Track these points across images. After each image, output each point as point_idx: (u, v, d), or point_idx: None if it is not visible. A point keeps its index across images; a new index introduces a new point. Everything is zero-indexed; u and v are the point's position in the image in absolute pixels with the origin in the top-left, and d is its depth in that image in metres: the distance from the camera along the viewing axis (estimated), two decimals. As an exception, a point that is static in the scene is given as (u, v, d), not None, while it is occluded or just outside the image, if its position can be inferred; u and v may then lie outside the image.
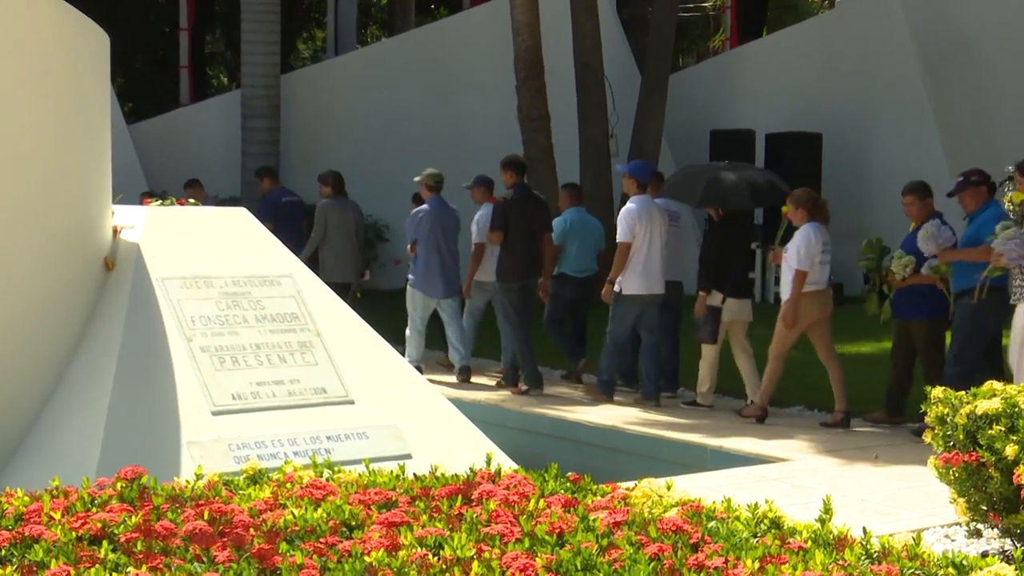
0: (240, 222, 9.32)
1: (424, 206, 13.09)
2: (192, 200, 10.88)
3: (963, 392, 6.25)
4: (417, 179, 13.40)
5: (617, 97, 19.58)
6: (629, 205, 11.35)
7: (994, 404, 5.89)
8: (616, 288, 11.21)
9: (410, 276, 12.97)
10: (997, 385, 6.15)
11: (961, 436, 5.94)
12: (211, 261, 8.64)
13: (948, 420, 6.06)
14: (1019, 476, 5.57)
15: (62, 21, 7.91)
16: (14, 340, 7.75)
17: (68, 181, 8.07)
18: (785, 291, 10.55)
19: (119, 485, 4.36)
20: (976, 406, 5.92)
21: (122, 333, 7.89)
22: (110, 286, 8.24)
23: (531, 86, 17.69)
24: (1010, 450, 5.64)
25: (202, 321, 8.23)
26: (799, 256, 10.25)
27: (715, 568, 3.63)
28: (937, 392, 6.26)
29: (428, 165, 13.90)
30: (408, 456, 7.48)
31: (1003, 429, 5.75)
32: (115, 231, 8.49)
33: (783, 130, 19.77)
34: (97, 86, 8.28)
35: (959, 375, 8.91)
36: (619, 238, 11.23)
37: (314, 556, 3.71)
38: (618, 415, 10.53)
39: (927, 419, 6.26)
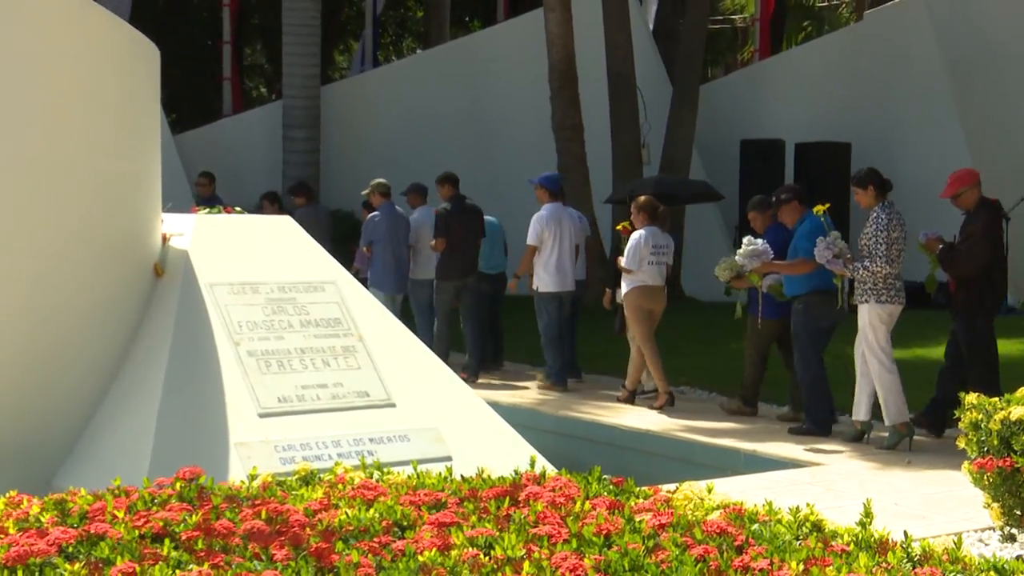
0: (285, 230, 9.37)
1: (376, 212, 13.91)
2: (239, 208, 10.94)
3: (996, 399, 6.23)
4: (365, 192, 14.36)
5: (649, 107, 19.58)
6: (540, 212, 12.29)
7: (1029, 409, 5.88)
8: (534, 287, 12.29)
9: (368, 276, 13.53)
10: (1032, 391, 6.14)
11: (995, 442, 5.93)
12: (257, 268, 8.69)
13: (982, 426, 6.04)
14: (1052, 481, 5.57)
15: (116, 36, 7.98)
16: (69, 343, 7.83)
17: (120, 190, 8.13)
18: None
19: (178, 485, 4.39)
20: (1010, 412, 5.91)
21: (172, 337, 7.94)
22: (160, 292, 8.29)
23: (565, 96, 17.72)
24: (1044, 456, 5.63)
25: (249, 326, 8.27)
26: (627, 256, 11.24)
27: (761, 570, 3.63)
28: (971, 398, 6.24)
29: (463, 174, 14.21)
30: (449, 458, 7.50)
31: (1037, 435, 5.74)
32: (165, 238, 8.55)
33: (812, 140, 19.74)
34: (148, 98, 8.34)
35: (811, 382, 9.92)
36: (528, 241, 12.24)
37: (369, 555, 3.73)
38: (651, 419, 10.52)
39: (960, 425, 6.24)
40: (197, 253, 8.47)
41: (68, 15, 7.79)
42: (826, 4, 32.08)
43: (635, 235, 11.27)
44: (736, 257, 10.01)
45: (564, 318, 12.28)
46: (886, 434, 9.43)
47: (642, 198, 11.72)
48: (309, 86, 20.32)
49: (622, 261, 11.38)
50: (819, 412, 9.90)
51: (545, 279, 12.16)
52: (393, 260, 13.61)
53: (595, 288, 13.97)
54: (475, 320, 13.11)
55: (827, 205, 9.82)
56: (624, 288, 11.40)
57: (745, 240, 10.06)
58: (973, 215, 9.55)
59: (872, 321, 9.41)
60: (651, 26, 24.08)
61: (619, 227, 12.16)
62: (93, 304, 7.93)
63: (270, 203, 15.27)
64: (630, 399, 11.34)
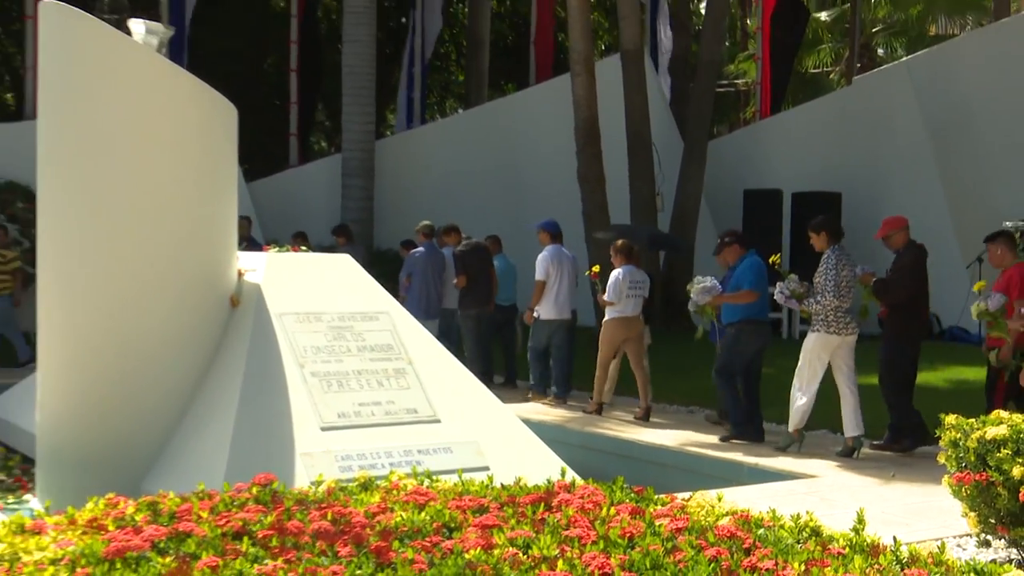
0: (344, 266, 9.43)
1: (419, 248, 14.33)
2: (304, 247, 11.02)
3: (973, 420, 6.20)
4: (417, 229, 14.65)
5: (663, 161, 19.61)
6: (543, 253, 12.56)
7: (1002, 431, 5.84)
8: (535, 314, 12.51)
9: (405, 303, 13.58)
10: (1004, 414, 6.09)
11: (972, 458, 5.89)
12: (320, 299, 8.74)
13: (960, 444, 6.01)
14: (1024, 494, 5.53)
15: (200, 97, 8.07)
16: (157, 363, 7.89)
17: (202, 231, 8.20)
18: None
19: (254, 489, 4.42)
20: (986, 432, 5.87)
21: (246, 359, 7.98)
22: (236, 320, 8.35)
23: (589, 151, 17.75)
24: (1016, 471, 5.59)
25: (313, 350, 8.31)
26: (609, 291, 11.46)
27: (767, 570, 3.63)
28: (950, 419, 6.21)
29: (498, 219, 14.50)
30: (487, 468, 7.49)
31: (1010, 452, 5.70)
32: (240, 273, 8.61)
33: (807, 190, 19.73)
34: (227, 151, 8.41)
35: (721, 384, 10.34)
36: (536, 278, 12.50)
37: (422, 553, 3.74)
38: (665, 436, 10.49)
39: (941, 443, 6.21)
40: (268, 286, 8.53)
41: (161, 81, 7.89)
42: (819, 71, 32.09)
43: (614, 273, 11.52)
44: (691, 294, 10.27)
45: (562, 341, 12.52)
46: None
47: (620, 242, 11.92)
48: (364, 141, 20.42)
49: (603, 297, 11.55)
50: (740, 415, 10.24)
51: (546, 308, 12.42)
52: (426, 291, 13.86)
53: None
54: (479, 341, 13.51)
55: (778, 255, 10.16)
56: (606, 317, 11.64)
57: (696, 280, 10.36)
58: (902, 254, 9.81)
59: (814, 347, 9.59)
60: (665, 90, 24.13)
61: (588, 272, 12.27)
62: (178, 330, 7.99)
63: (302, 240, 15.39)
64: (646, 415, 11.43)
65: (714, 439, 10.26)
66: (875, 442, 9.75)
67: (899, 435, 9.73)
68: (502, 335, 14.11)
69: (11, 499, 8.87)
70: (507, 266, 14.16)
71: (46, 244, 7.74)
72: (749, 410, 10.25)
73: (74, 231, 7.64)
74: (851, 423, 9.51)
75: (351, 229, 17.15)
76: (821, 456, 9.48)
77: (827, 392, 9.87)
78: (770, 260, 10.10)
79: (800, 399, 9.60)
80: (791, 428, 9.69)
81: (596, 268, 12.14)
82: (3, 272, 14.12)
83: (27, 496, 8.83)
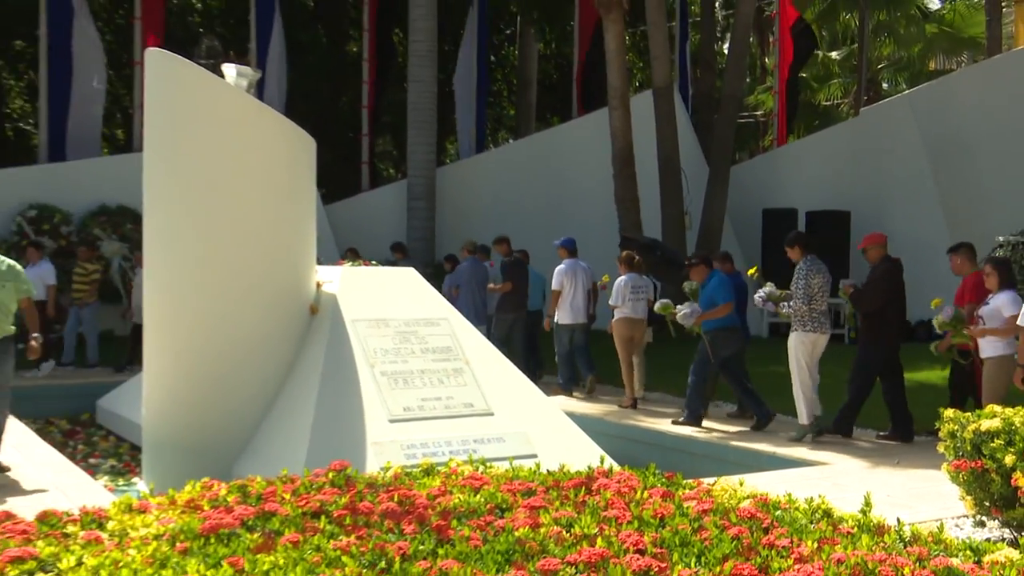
0: (409, 278, 9.47)
1: (464, 263, 14.38)
2: (374, 262, 11.06)
3: (969, 413, 6.13)
4: (463, 246, 14.89)
5: (690, 184, 19.49)
6: (560, 266, 12.54)
7: (995, 423, 5.77)
8: (554, 320, 12.53)
9: None
10: (997, 408, 6.02)
11: (968, 447, 5.82)
12: (388, 307, 8.78)
13: (958, 435, 5.94)
14: (1016, 479, 5.45)
15: (284, 131, 8.15)
16: (247, 365, 7.97)
17: (286, 249, 8.27)
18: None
19: (330, 475, 4.45)
20: (980, 424, 5.80)
21: (323, 360, 8.04)
22: (315, 325, 8.41)
23: (624, 176, 17.71)
24: (1008, 459, 5.52)
25: (382, 352, 8.35)
26: (613, 295, 11.72)
27: (783, 547, 3.60)
28: (948, 413, 6.14)
29: (543, 236, 14.58)
30: (535, 456, 7.50)
31: (1002, 443, 5.63)
32: (318, 285, 8.67)
33: (820, 208, 19.56)
34: (307, 178, 8.49)
35: (694, 384, 10.37)
36: (552, 288, 12.58)
37: (477, 531, 3.75)
38: (692, 427, 10.41)
39: (940, 434, 6.14)
40: (343, 296, 8.58)
41: (250, 117, 7.98)
42: (830, 103, 31.79)
43: (618, 280, 11.73)
44: (679, 319, 10.36)
45: (581, 342, 12.53)
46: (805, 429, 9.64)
47: (624, 253, 12.16)
48: (427, 168, 20.48)
49: (611, 301, 11.78)
50: (695, 405, 10.35)
51: (563, 314, 12.47)
52: (472, 299, 13.81)
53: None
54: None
55: (756, 267, 10.58)
56: (614, 319, 11.74)
57: (677, 308, 10.42)
58: (876, 266, 9.75)
59: (795, 345, 9.63)
60: (691, 121, 24.03)
61: (598, 283, 12.63)
62: (265, 335, 8.06)
63: (353, 255, 15.46)
64: (633, 404, 11.67)
65: (735, 430, 10.18)
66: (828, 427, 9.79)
67: (847, 425, 9.74)
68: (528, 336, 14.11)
69: (121, 482, 8.99)
70: (535, 277, 14.26)
71: (152, 260, 7.85)
72: (699, 399, 10.45)
73: (176, 249, 7.75)
74: (803, 409, 9.60)
75: (407, 246, 17.20)
76: (832, 446, 9.37)
77: (831, 389, 9.76)
78: (749, 272, 10.25)
79: (800, 393, 9.62)
80: (804, 421, 9.58)
81: (605, 278, 12.43)
82: (85, 283, 14.26)
83: (135, 479, 8.94)
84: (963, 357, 9.18)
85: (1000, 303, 8.45)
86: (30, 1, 19.12)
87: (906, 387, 9.83)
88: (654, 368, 12.84)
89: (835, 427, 9.73)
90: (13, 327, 7.45)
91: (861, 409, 9.80)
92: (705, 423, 10.50)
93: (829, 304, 9.98)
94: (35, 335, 7.65)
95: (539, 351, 14.01)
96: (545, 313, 13.22)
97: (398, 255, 16.07)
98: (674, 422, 10.44)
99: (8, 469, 7.48)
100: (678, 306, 10.46)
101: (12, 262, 7.59)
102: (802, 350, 9.61)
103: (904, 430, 9.53)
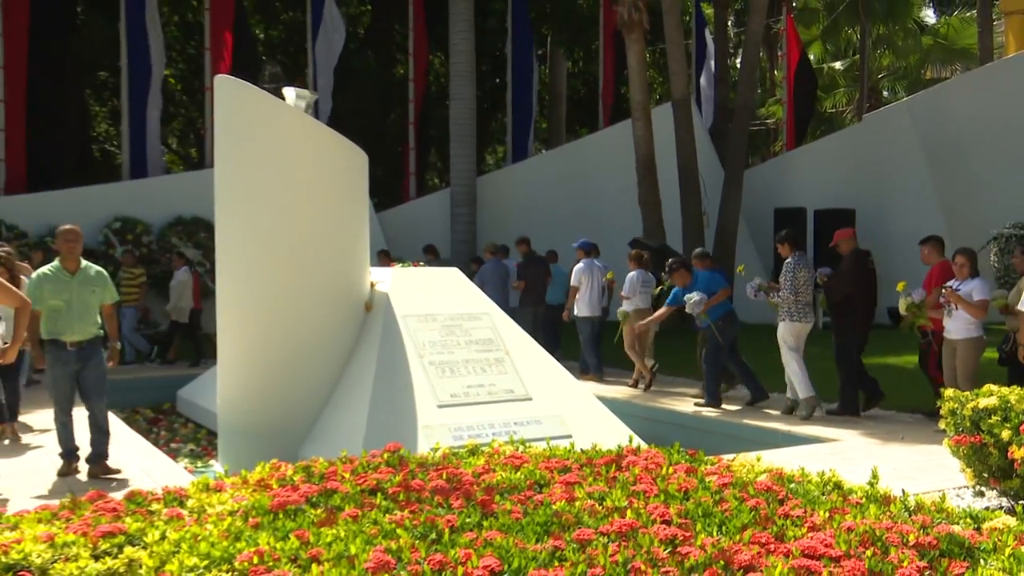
0: (453, 277, 9.47)
1: (487, 263, 14.72)
2: (422, 263, 11.09)
3: (968, 392, 6.05)
4: (485, 248, 15.27)
5: (707, 187, 19.38)
6: (578, 265, 12.76)
7: (992, 401, 5.69)
8: (575, 313, 12.70)
9: None
10: (993, 387, 5.93)
11: (968, 424, 5.75)
12: (435, 304, 8.79)
13: (958, 412, 5.87)
14: (1011, 452, 5.39)
15: (339, 147, 8.18)
16: (309, 356, 8.00)
17: (343, 252, 8.31)
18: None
19: (385, 455, 4.46)
20: (979, 402, 5.73)
21: (378, 352, 8.07)
22: (369, 321, 8.45)
23: (647, 181, 17.64)
24: (1004, 434, 5.45)
25: (430, 344, 8.37)
26: (626, 288, 11.99)
27: (797, 517, 3.56)
28: (949, 392, 6.07)
29: (574, 236, 14.54)
30: (569, 436, 7.48)
31: (999, 419, 5.57)
32: (372, 285, 8.70)
33: (826, 207, 19.36)
34: (361, 189, 8.52)
35: (711, 371, 10.38)
36: (571, 284, 12.80)
37: (518, 504, 3.74)
38: (711, 409, 10.35)
39: (941, 412, 6.06)
40: (394, 294, 8.61)
41: (309, 135, 8.02)
42: (834, 111, 31.47)
43: (630, 275, 12.04)
44: (688, 308, 10.50)
45: (598, 331, 12.77)
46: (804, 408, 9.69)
47: (633, 252, 12.57)
48: (468, 177, 20.48)
49: (622, 294, 12.08)
50: (713, 389, 10.36)
51: (581, 307, 12.66)
52: (497, 295, 13.76)
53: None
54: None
55: (742, 265, 10.95)
56: (626, 309, 11.96)
57: (686, 297, 10.53)
58: (846, 259, 9.84)
59: (784, 333, 9.79)
60: (708, 129, 23.87)
61: (606, 277, 12.88)
62: (325, 330, 8.10)
63: (385, 256, 15.50)
64: (639, 383, 11.89)
65: (752, 410, 10.12)
66: (829, 407, 9.85)
67: (849, 402, 9.76)
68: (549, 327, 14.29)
69: (199, 464, 9.07)
70: (559, 273, 14.51)
71: (223, 265, 7.91)
72: (752, 378, 10.49)
73: (245, 254, 7.81)
74: (805, 387, 9.66)
75: (437, 248, 17.26)
76: (842, 424, 9.28)
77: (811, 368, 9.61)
78: (737, 269, 10.42)
79: (792, 374, 9.73)
80: (803, 396, 9.63)
81: (610, 274, 12.88)
82: (133, 286, 14.42)
83: (211, 461, 9.02)
84: (923, 336, 9.38)
85: (972, 287, 8.57)
86: (113, 36, 19.35)
87: (892, 369, 9.80)
88: (672, 355, 12.77)
89: (840, 410, 9.73)
90: (101, 330, 7.33)
91: (858, 387, 9.77)
92: (724, 405, 10.45)
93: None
94: (115, 343, 7.49)
95: (560, 340, 14.06)
96: (566, 306, 13.35)
97: (430, 256, 16.17)
98: (696, 404, 10.45)
99: (118, 471, 7.24)
100: (687, 296, 10.55)
101: (100, 269, 7.45)
102: (789, 337, 9.77)
103: (853, 406, 9.70)
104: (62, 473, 7.12)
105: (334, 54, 21.05)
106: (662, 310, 11.30)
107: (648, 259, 12.39)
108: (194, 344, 14.13)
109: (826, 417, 9.64)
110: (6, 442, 8.37)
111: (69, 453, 7.24)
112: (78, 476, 7.14)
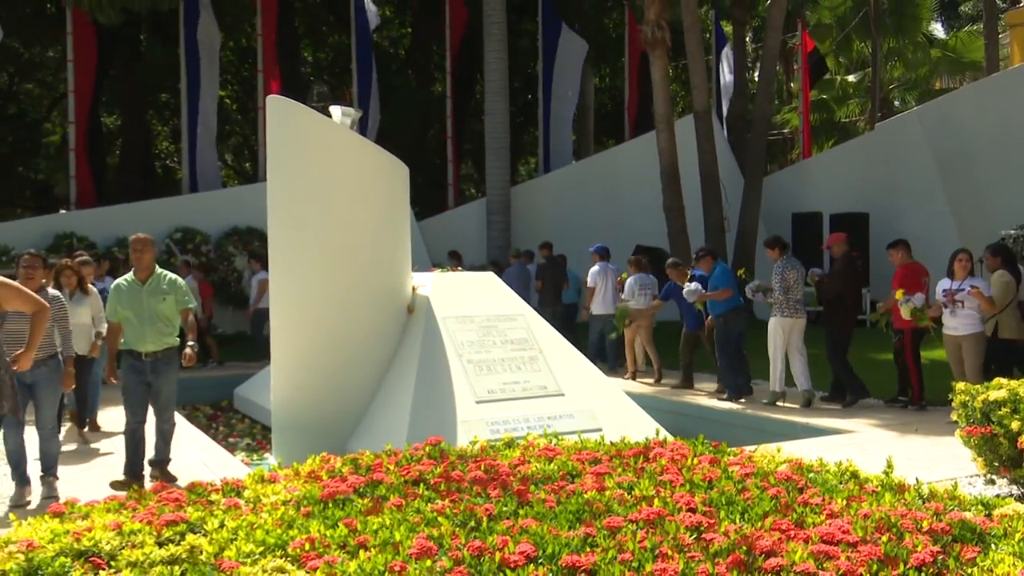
0: (489, 281, 9.48)
1: (511, 267, 15.15)
2: (459, 268, 11.11)
3: (979, 385, 5.96)
4: (511, 253, 15.84)
5: (728, 193, 19.22)
6: (594, 268, 13.29)
7: (1002, 393, 5.61)
8: (590, 311, 13.26)
9: None
10: (1003, 380, 5.84)
11: (979, 415, 5.66)
12: (473, 306, 8.80)
13: (969, 404, 5.78)
14: (1021, 442, 5.30)
15: (382, 160, 8.22)
16: (356, 356, 8.04)
17: (387, 259, 8.34)
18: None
19: (427, 448, 4.46)
20: (989, 395, 5.64)
21: (420, 352, 8.09)
22: (411, 323, 8.47)
23: (671, 189, 17.49)
24: (1015, 425, 5.36)
25: (468, 344, 8.38)
26: (626, 291, 12.40)
27: (817, 504, 3.53)
28: (960, 386, 5.98)
29: (601, 240, 14.63)
30: (600, 430, 7.46)
31: (1009, 411, 5.49)
32: (414, 289, 8.72)
33: (841, 212, 19.17)
34: (402, 199, 8.55)
35: (725, 365, 10.46)
36: (588, 285, 13.33)
37: (552, 494, 3.73)
38: (734, 404, 10.28)
39: (953, 403, 5.98)
40: (435, 297, 8.62)
41: (354, 150, 8.07)
42: (848, 120, 31.14)
43: (630, 279, 12.45)
44: (684, 293, 10.86)
45: (606, 333, 13.09)
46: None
47: (633, 257, 12.81)
48: (503, 187, 20.47)
49: (623, 295, 12.52)
50: (732, 382, 10.42)
51: (596, 306, 13.15)
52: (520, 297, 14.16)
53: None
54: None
55: (743, 269, 11.22)
56: (630, 304, 12.33)
57: (686, 285, 10.90)
58: (837, 261, 10.22)
59: (773, 328, 10.00)
60: (728, 139, 23.71)
61: (620, 279, 13.15)
62: (370, 331, 8.14)
63: (457, 259, 15.56)
64: (633, 376, 12.26)
65: (771, 404, 10.03)
66: (823, 394, 10.14)
67: (839, 392, 10.02)
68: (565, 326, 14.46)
69: (255, 457, 9.14)
70: (573, 276, 14.92)
71: (276, 271, 7.97)
72: (743, 372, 10.61)
73: (296, 261, 7.86)
74: (802, 380, 9.88)
75: (460, 254, 17.32)
76: (857, 416, 9.19)
77: (862, 363, 9.56)
78: (738, 272, 10.69)
79: (775, 366, 9.99)
80: (777, 388, 9.94)
81: (624, 275, 12.94)
82: None
83: (266, 455, 9.08)
84: (894, 333, 9.66)
85: (978, 285, 8.70)
86: (172, 61, 19.59)
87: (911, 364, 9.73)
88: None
89: (831, 398, 10.01)
90: (178, 339, 6.94)
91: (850, 378, 9.92)
92: (742, 400, 10.39)
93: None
94: (191, 343, 6.98)
95: (576, 337, 14.05)
96: (581, 306, 13.79)
97: (454, 261, 16.23)
98: (719, 398, 10.49)
99: (175, 479, 6.81)
100: (686, 284, 10.95)
101: (174, 276, 7.06)
102: (779, 333, 10.00)
103: (842, 394, 9.93)
104: (116, 486, 6.50)
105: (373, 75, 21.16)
106: (656, 302, 12.07)
107: (646, 263, 12.80)
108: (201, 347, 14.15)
109: (820, 408, 9.68)
110: (74, 446, 8.41)
111: (134, 475, 6.79)
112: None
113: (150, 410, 7.00)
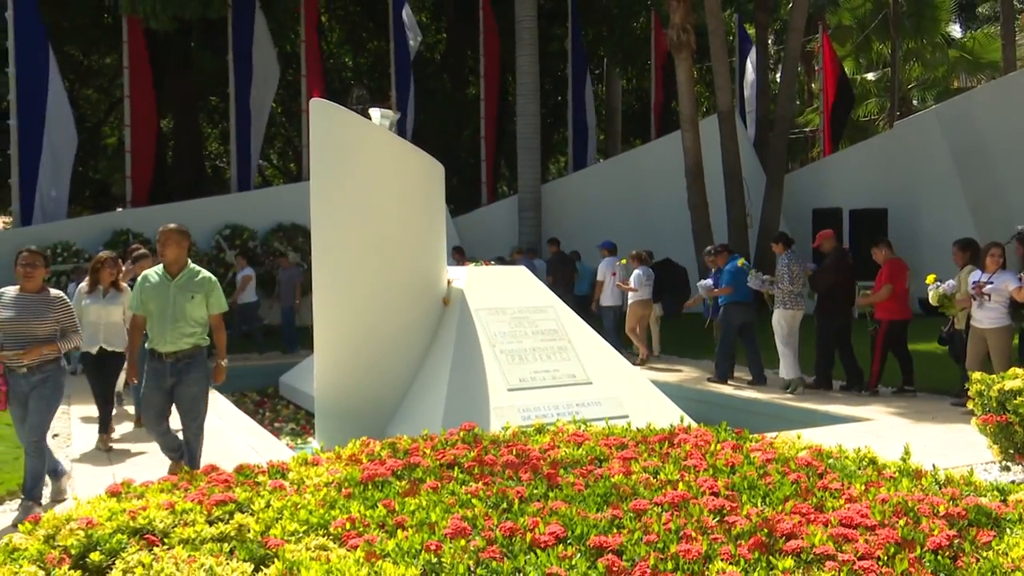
0: (520, 274, 9.49)
1: (517, 263, 14.87)
2: (492, 262, 11.10)
3: (994, 375, 5.87)
4: (515, 248, 16.11)
5: (751, 190, 19.06)
6: (603, 262, 13.52)
7: (1017, 383, 5.53)
8: (599, 303, 13.43)
9: None
10: (1019, 370, 5.75)
11: (994, 404, 5.58)
12: (505, 298, 8.82)
13: (985, 393, 5.70)
14: (1036, 431, 5.21)
15: (419, 160, 8.24)
16: (395, 346, 8.09)
17: (424, 253, 8.37)
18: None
19: (461, 433, 4.46)
20: (1004, 384, 5.55)
21: (454, 342, 8.13)
22: (447, 314, 8.51)
23: (696, 186, 17.36)
24: (1030, 414, 5.27)
25: (500, 335, 8.39)
26: (633, 282, 12.74)
27: (836, 489, 3.49)
28: (976, 375, 5.89)
29: (626, 236, 14.88)
30: (626, 416, 7.45)
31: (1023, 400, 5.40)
32: (449, 282, 8.75)
33: (860, 207, 18.93)
34: (438, 197, 8.58)
35: (723, 352, 10.78)
36: (598, 278, 13.54)
37: (580, 478, 3.73)
38: (755, 392, 10.21)
39: (969, 392, 5.89)
40: (469, 290, 8.65)
41: (392, 150, 8.09)
42: (868, 119, 30.73)
43: (636, 272, 12.78)
44: (698, 284, 11.49)
45: (617, 320, 13.26)
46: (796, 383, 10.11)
47: (633, 252, 13.16)
48: (534, 185, 20.44)
49: (627, 286, 12.82)
50: (720, 365, 10.80)
51: (606, 298, 13.36)
52: None
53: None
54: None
55: (744, 259, 11.15)
56: (630, 300, 12.80)
57: (700, 282, 11.54)
58: (827, 256, 10.34)
59: (777, 320, 10.24)
60: (751, 138, 23.48)
61: (620, 262, 13.37)
62: (408, 322, 8.18)
63: (459, 254, 15.50)
64: (645, 361, 12.57)
65: (791, 392, 9.95)
66: (808, 380, 10.30)
67: (824, 379, 10.22)
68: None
69: (299, 441, 9.22)
70: (584, 269, 15.34)
71: (319, 266, 8.03)
72: (727, 361, 10.87)
73: (337, 257, 7.91)
74: (790, 369, 10.12)
75: (464, 248, 17.24)
76: (876, 404, 9.08)
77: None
78: (739, 263, 10.87)
79: (782, 356, 10.16)
80: (790, 376, 10.10)
81: (624, 260, 13.27)
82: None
83: (309, 439, 9.16)
84: (874, 322, 9.77)
85: (1005, 279, 8.47)
86: (222, 68, 19.76)
87: (918, 355, 9.77)
88: (695, 342, 12.62)
89: (816, 384, 10.21)
90: (206, 339, 6.06)
91: (832, 364, 10.16)
92: (764, 387, 10.32)
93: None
94: (221, 359, 6.18)
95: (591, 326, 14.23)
96: (592, 297, 13.97)
97: (456, 255, 15.93)
98: (709, 380, 10.94)
99: None
100: (700, 280, 11.60)
101: (210, 275, 6.13)
102: (783, 322, 10.23)
103: (857, 381, 9.99)
104: (173, 471, 5.88)
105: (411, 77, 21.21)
106: (713, 291, 12.04)
107: (647, 257, 13.21)
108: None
109: (837, 396, 9.64)
110: (143, 447, 7.83)
111: (177, 453, 6.13)
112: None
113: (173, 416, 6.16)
